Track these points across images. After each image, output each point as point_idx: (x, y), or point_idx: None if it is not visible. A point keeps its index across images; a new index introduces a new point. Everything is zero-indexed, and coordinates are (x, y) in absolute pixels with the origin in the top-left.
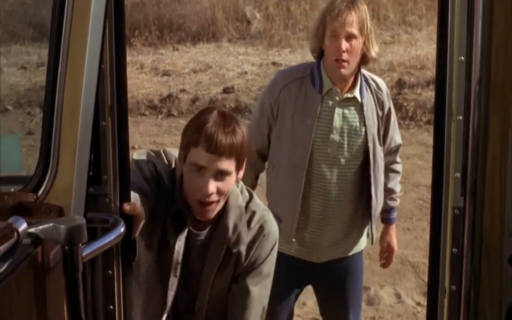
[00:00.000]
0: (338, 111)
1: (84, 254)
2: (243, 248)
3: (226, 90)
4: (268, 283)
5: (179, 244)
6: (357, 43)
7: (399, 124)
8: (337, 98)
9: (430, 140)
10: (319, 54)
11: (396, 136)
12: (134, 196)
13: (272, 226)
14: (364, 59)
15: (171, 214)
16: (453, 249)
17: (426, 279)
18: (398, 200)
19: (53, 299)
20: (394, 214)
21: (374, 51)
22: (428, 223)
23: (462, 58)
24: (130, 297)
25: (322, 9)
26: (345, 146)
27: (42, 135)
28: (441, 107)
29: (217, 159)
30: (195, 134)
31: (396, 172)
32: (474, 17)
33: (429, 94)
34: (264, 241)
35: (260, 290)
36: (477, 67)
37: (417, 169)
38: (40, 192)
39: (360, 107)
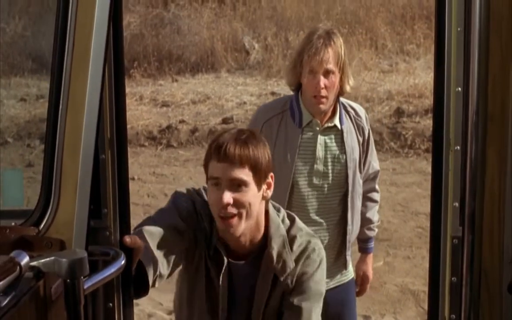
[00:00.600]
0: (320, 140)
1: (85, 287)
2: (290, 277)
3: (225, 121)
4: (318, 299)
5: (223, 281)
6: (335, 78)
7: (398, 152)
8: (318, 128)
9: (428, 168)
10: (297, 87)
11: (374, 162)
12: (160, 231)
13: (316, 245)
14: (341, 91)
15: (209, 252)
16: (453, 278)
17: (426, 307)
18: (376, 229)
19: None
20: (372, 244)
21: (349, 85)
22: (428, 251)
23: (459, 89)
24: None
25: (299, 45)
26: (329, 175)
27: (44, 169)
28: (439, 137)
29: (228, 168)
30: (209, 148)
31: (374, 201)
32: (470, 48)
33: (428, 122)
34: (308, 258)
35: (310, 305)
36: (474, 98)
37: (416, 197)
38: (42, 226)
39: (340, 135)
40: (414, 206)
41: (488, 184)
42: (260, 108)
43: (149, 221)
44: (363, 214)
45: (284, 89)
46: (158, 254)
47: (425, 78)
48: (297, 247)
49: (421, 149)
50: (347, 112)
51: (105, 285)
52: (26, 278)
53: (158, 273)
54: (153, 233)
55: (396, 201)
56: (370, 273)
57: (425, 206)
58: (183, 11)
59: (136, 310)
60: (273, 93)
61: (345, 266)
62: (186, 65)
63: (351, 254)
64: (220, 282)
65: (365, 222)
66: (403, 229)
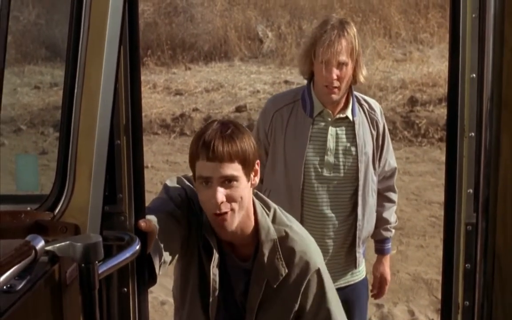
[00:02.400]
0: (331, 131)
1: (100, 272)
2: (289, 286)
3: (238, 109)
4: (336, 302)
5: (214, 272)
6: (348, 69)
7: (411, 141)
8: (329, 119)
9: (442, 157)
10: (310, 76)
11: (390, 159)
12: (162, 221)
13: (315, 260)
14: (353, 81)
15: (201, 241)
16: (466, 265)
17: (439, 296)
18: (393, 230)
19: (69, 316)
20: (389, 245)
21: (362, 75)
22: (441, 240)
23: (474, 75)
24: (146, 314)
25: (312, 34)
26: (340, 166)
27: (59, 154)
28: (453, 124)
29: (218, 166)
30: (195, 147)
31: (392, 201)
32: (485, 35)
33: (441, 111)
34: (312, 281)
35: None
36: (488, 84)
37: (429, 187)
38: (57, 210)
39: (352, 126)
40: (427, 195)
41: (502, 170)
42: (271, 99)
43: (146, 211)
44: (379, 214)
45: (297, 78)
46: (162, 242)
47: (438, 66)
48: (297, 260)
49: (435, 138)
50: (361, 105)
51: (119, 270)
52: (41, 262)
53: (162, 260)
54: (154, 221)
55: (410, 190)
56: (388, 274)
57: (439, 195)
58: None
59: (149, 297)
60: (286, 82)
61: (355, 265)
62: (199, 53)
63: (365, 252)
64: (211, 273)
65: (382, 222)
66: (416, 218)
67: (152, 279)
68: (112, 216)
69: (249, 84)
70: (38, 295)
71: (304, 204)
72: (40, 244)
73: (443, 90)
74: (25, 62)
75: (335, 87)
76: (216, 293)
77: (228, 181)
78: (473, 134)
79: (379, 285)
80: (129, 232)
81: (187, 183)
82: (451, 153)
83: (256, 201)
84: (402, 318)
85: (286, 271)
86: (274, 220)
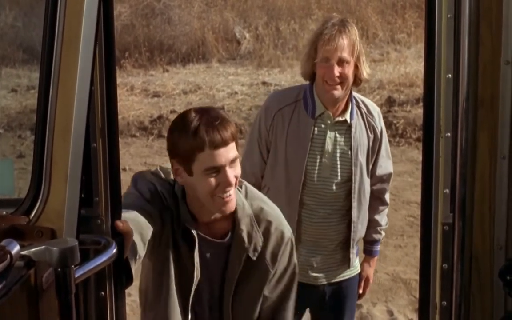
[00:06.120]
0: (330, 135)
1: (76, 276)
2: (267, 257)
3: None
4: (294, 286)
5: (196, 260)
6: (349, 67)
7: (389, 141)
8: (329, 122)
9: (420, 157)
10: (311, 78)
11: (386, 163)
12: (133, 215)
13: (288, 230)
14: (356, 81)
15: (179, 230)
16: (444, 265)
17: (418, 295)
18: (383, 233)
19: None
20: (377, 247)
21: (365, 71)
22: (419, 240)
23: (450, 75)
24: (123, 317)
25: (313, 33)
26: (337, 169)
27: (34, 158)
28: (430, 124)
29: (227, 151)
30: (194, 141)
31: (384, 204)
32: (460, 35)
33: (419, 111)
34: (286, 248)
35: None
36: (464, 84)
37: (408, 186)
38: (32, 215)
39: (349, 129)
40: (406, 195)
41: (479, 170)
42: (272, 97)
43: None
44: (371, 216)
45: (275, 79)
46: (135, 238)
47: (416, 67)
48: (274, 230)
49: (412, 138)
50: (359, 108)
51: (96, 274)
52: (17, 267)
53: (137, 257)
54: (127, 218)
55: None
56: (371, 277)
57: (417, 195)
58: (174, 1)
59: (128, 300)
60: (264, 83)
61: (348, 264)
62: (177, 55)
63: (359, 252)
64: (195, 262)
65: (373, 224)
66: (395, 218)
67: (129, 280)
68: (89, 220)
69: (227, 85)
70: (14, 300)
71: (302, 204)
72: (16, 248)
73: (420, 90)
74: (2, 65)
75: (337, 84)
76: (197, 282)
77: (233, 161)
78: (449, 134)
79: (363, 285)
80: (105, 235)
81: (156, 178)
82: (427, 153)
83: None
84: (381, 318)
85: (263, 242)
86: (246, 196)
